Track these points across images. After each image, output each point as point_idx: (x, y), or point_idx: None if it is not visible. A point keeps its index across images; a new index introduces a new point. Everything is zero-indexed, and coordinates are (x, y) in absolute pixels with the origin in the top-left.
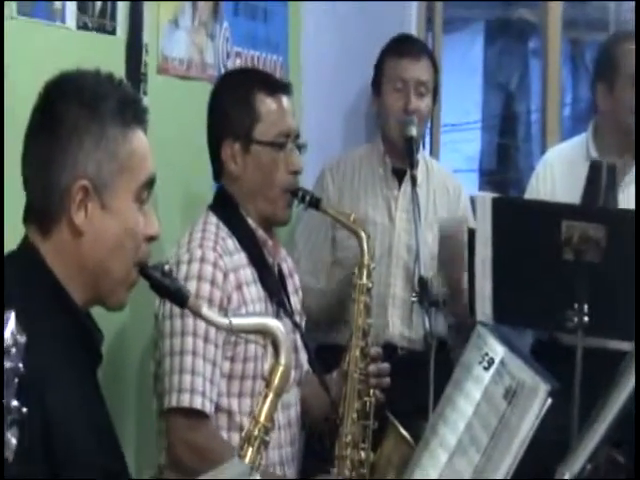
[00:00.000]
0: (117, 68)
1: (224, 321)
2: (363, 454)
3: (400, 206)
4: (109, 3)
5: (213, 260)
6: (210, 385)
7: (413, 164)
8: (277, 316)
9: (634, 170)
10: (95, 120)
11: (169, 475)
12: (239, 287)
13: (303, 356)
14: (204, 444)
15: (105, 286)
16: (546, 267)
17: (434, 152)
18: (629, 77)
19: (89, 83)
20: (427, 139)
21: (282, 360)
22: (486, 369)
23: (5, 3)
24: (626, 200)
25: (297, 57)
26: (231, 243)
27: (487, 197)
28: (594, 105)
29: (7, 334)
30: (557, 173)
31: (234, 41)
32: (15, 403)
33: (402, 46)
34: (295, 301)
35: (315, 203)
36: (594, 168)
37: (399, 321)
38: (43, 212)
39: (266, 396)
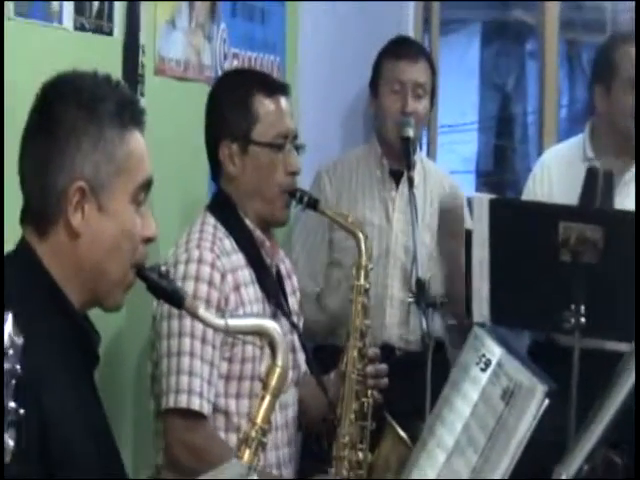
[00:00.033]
0: (114, 69)
1: (221, 322)
2: (361, 455)
3: (397, 207)
4: (106, 4)
5: (211, 261)
6: (208, 386)
7: (410, 165)
8: (275, 317)
9: (630, 172)
10: (93, 122)
11: (166, 475)
12: (237, 288)
13: (301, 357)
14: (202, 445)
15: (102, 287)
16: (543, 268)
17: (431, 153)
18: (627, 80)
19: (87, 84)
20: (424, 140)
21: (279, 362)
22: (483, 370)
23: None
24: (622, 201)
25: (294, 58)
26: (229, 244)
27: (484, 198)
28: (591, 106)
29: (4, 336)
30: (554, 174)
31: (231, 42)
32: (12, 404)
33: (400, 48)
34: (293, 302)
35: (313, 204)
36: (591, 174)
37: (397, 322)
38: (40, 213)
39: (263, 398)
